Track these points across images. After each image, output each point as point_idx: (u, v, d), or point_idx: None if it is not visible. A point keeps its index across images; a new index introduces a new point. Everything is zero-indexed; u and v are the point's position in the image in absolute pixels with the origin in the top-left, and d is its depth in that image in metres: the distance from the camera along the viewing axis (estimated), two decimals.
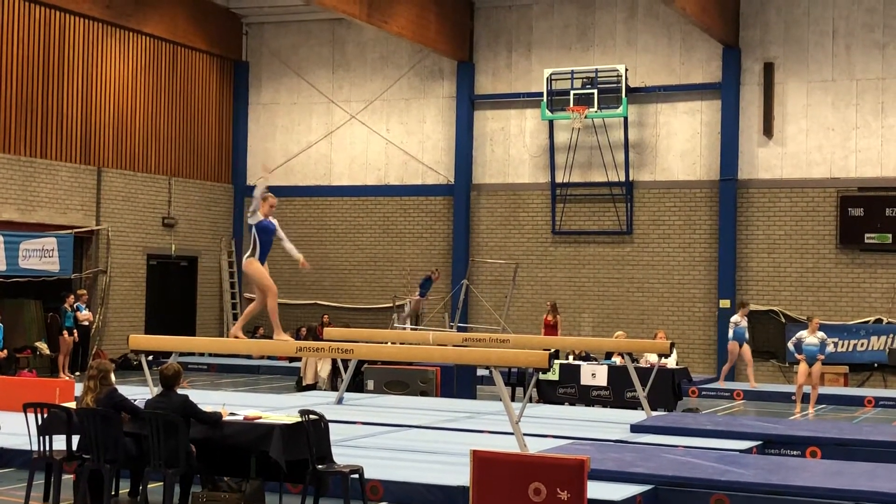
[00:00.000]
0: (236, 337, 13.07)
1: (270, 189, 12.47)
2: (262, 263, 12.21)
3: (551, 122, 25.08)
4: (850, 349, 22.76)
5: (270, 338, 26.11)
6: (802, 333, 18.13)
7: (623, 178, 24.68)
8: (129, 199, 25.20)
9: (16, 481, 10.40)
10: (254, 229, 12.08)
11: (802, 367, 17.97)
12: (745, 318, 21.15)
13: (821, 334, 18.04)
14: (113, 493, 9.29)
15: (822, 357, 17.89)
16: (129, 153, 25.31)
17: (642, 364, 18.19)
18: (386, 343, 16.36)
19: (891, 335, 22.60)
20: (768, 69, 23.78)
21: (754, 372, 21.70)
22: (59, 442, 9.45)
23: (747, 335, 21.11)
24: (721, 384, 21.59)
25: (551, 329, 22.13)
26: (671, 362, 18.27)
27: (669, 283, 24.47)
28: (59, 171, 23.47)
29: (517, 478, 7.51)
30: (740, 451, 12.04)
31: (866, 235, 22.86)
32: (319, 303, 27.14)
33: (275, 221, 12.24)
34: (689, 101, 24.54)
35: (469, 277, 25.03)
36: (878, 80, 23.12)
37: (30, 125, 22.91)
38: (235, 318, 27.88)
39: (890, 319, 22.72)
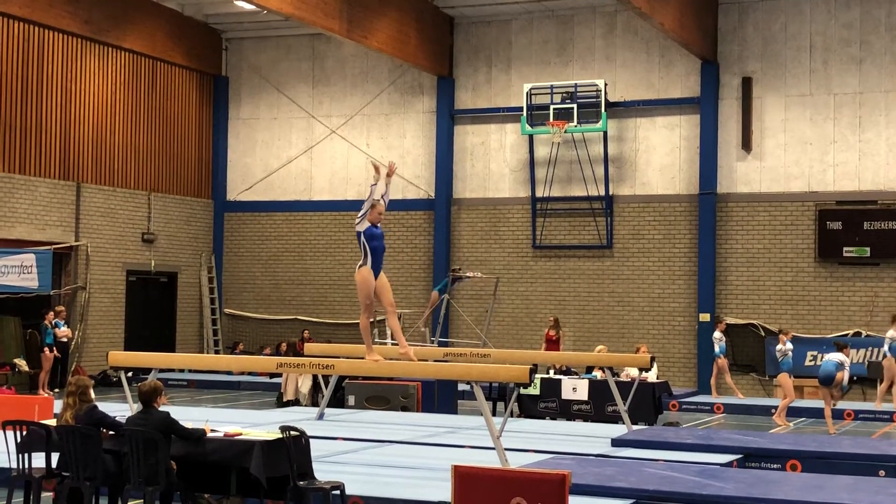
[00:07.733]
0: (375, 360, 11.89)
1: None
2: (376, 273, 11.37)
3: (531, 137, 25.15)
4: None
5: (252, 353, 26.22)
6: (780, 347, 18.18)
7: (603, 193, 24.75)
8: (108, 215, 25.10)
9: None
10: (361, 237, 11.30)
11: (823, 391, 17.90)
12: None
13: (783, 347, 18.11)
14: None
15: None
16: (109, 168, 25.22)
17: (623, 378, 18.20)
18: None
19: (870, 348, 22.68)
20: (746, 84, 23.90)
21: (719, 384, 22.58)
22: (39, 459, 9.39)
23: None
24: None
25: (553, 344, 21.95)
26: (652, 376, 18.29)
27: (649, 296, 24.53)
28: (37, 186, 23.37)
29: (498, 493, 7.50)
30: (721, 464, 12.05)
31: (845, 249, 22.97)
32: (300, 318, 27.08)
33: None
34: (667, 115, 24.64)
35: (449, 292, 25.02)
36: (856, 94, 23.26)
37: (8, 141, 22.81)
38: (215, 333, 27.78)
39: (869, 333, 22.81)
